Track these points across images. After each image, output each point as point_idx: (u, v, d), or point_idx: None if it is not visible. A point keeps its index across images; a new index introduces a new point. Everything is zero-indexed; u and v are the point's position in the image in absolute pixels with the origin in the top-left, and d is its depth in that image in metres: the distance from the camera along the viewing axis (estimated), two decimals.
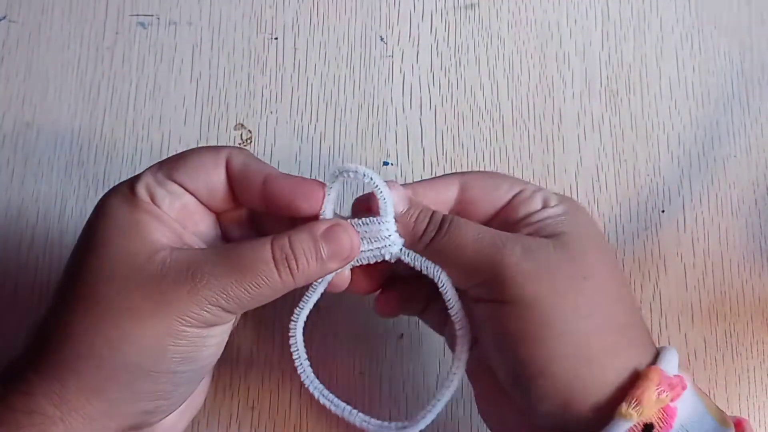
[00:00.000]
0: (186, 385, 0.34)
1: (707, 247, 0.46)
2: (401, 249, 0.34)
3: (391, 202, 0.34)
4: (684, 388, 0.31)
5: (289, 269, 0.32)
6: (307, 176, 0.46)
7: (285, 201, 0.33)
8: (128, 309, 0.30)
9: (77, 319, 0.31)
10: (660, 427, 0.30)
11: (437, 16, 0.50)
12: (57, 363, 0.30)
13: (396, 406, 0.43)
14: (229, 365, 0.43)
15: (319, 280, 0.34)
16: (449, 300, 0.34)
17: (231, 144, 0.47)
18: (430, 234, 0.34)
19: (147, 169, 0.34)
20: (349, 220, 0.34)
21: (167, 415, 0.34)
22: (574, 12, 0.51)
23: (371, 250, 0.34)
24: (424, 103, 0.49)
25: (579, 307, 0.32)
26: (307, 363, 0.36)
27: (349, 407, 0.36)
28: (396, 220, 0.34)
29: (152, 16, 0.50)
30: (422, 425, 0.36)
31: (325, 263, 0.32)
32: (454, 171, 0.47)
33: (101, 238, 0.31)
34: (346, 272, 0.35)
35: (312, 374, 0.36)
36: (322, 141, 0.48)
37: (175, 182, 0.33)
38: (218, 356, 0.34)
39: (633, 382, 0.31)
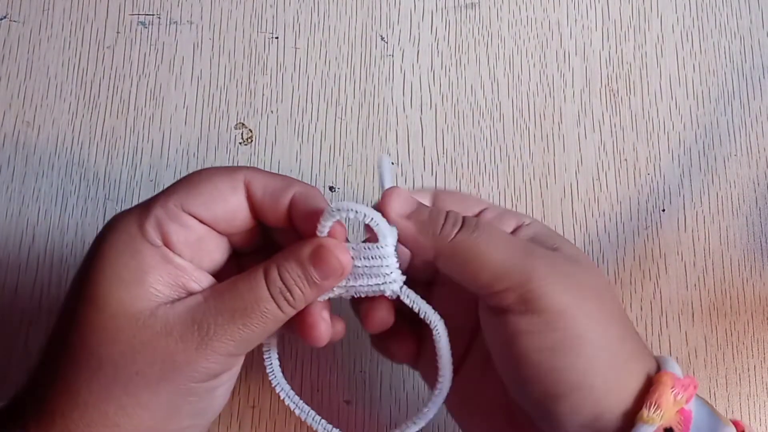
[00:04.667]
0: None
1: (708, 246, 0.46)
2: (401, 288, 0.33)
3: (391, 235, 0.32)
4: (696, 387, 0.31)
5: (286, 300, 0.31)
6: (307, 176, 0.47)
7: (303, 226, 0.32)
8: (137, 374, 0.29)
9: (83, 381, 0.29)
10: (679, 430, 0.30)
11: (437, 16, 0.50)
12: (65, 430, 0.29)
13: (396, 404, 0.43)
14: None
15: None
16: (441, 349, 0.33)
17: (231, 143, 0.47)
18: (451, 230, 0.32)
19: (156, 198, 0.32)
20: (349, 245, 0.32)
21: None
22: (575, 11, 0.51)
23: (370, 285, 0.33)
24: (425, 102, 0.49)
25: (604, 315, 0.31)
26: (288, 387, 0.35)
27: None
28: (398, 240, 0.33)
29: (153, 15, 0.50)
30: None
31: (319, 286, 0.31)
32: (453, 171, 0.47)
33: (101, 288, 0.30)
34: (339, 327, 0.34)
35: (296, 396, 0.35)
36: (323, 140, 0.48)
37: (190, 214, 0.31)
38: (226, 402, 0.33)
39: (647, 387, 0.31)
